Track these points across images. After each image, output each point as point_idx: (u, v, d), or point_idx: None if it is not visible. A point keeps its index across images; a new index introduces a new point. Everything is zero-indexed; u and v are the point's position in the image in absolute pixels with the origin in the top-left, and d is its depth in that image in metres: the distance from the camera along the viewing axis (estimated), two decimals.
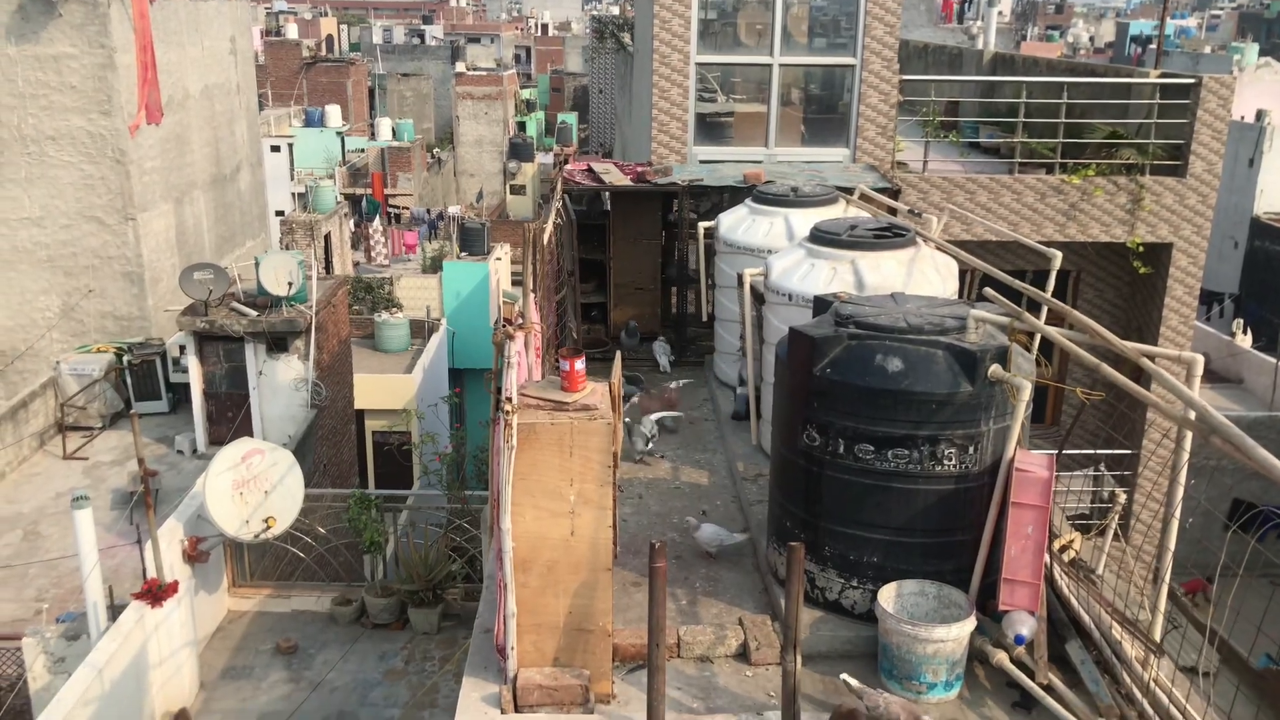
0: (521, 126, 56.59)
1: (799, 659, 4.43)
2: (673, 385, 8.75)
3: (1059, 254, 6.64)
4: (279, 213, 30.45)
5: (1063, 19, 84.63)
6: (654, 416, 7.83)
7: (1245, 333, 23.71)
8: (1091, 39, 73.65)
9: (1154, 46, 56.34)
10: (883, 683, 5.04)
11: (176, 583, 9.60)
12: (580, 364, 4.86)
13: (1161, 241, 11.94)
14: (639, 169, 10.28)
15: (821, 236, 7.19)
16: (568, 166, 10.43)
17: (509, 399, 4.56)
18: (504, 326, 5.38)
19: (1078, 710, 4.63)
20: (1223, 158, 12.03)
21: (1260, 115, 30.80)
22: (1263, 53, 52.22)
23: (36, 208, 17.57)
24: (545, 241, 7.44)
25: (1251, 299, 28.69)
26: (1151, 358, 4.50)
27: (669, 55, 11.85)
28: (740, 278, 7.85)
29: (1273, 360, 21.07)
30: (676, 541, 6.40)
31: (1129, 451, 11.77)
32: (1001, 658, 4.91)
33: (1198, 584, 13.89)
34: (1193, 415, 4.15)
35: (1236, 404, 19.76)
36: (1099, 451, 10.18)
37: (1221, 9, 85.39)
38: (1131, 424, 12.16)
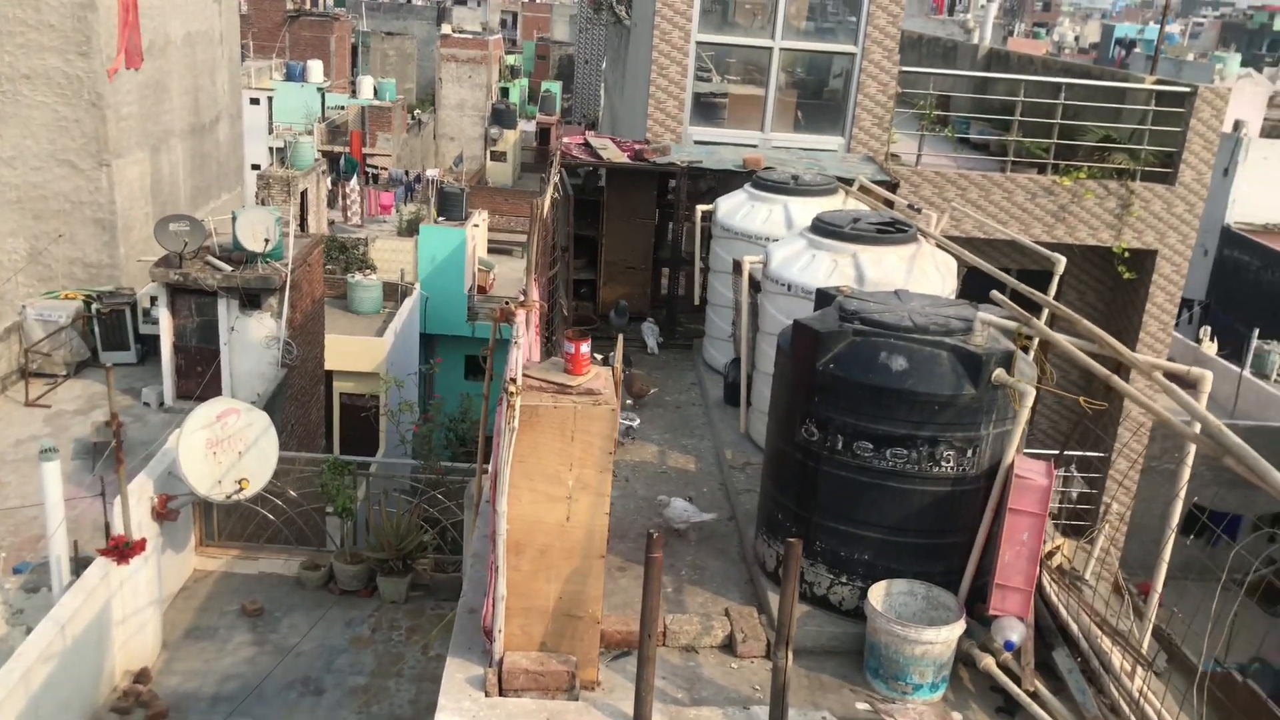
0: (505, 93, 56.01)
1: (790, 656, 4.40)
2: (639, 372, 8.55)
3: (1062, 259, 6.63)
4: (255, 166, 29.94)
5: (1050, 16, 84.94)
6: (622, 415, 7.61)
7: (1212, 340, 24.04)
8: (1076, 39, 73.98)
9: (1137, 50, 56.70)
10: (868, 682, 5.04)
11: (144, 540, 9.45)
12: (586, 347, 4.77)
13: (1147, 248, 12.01)
14: (636, 146, 10.15)
15: (824, 228, 7.13)
16: (565, 140, 10.28)
17: (513, 380, 4.46)
18: (506, 304, 5.28)
19: (1062, 718, 4.65)
20: (1211, 168, 12.10)
21: (1237, 126, 31.13)
22: (1244, 63, 52.72)
23: (7, 147, 17.11)
24: (544, 217, 7.32)
25: (1219, 307, 29.11)
26: (1163, 373, 4.50)
27: (670, 32, 11.70)
28: (737, 264, 7.78)
29: (1236, 369, 21.37)
30: (662, 528, 6.35)
31: (1100, 454, 11.88)
32: (989, 662, 4.92)
33: (1149, 586, 14.11)
34: (1198, 429, 4.15)
35: None
36: (1088, 454, 10.25)
37: (1205, 16, 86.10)
38: (1102, 425, 12.28)
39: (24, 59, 16.70)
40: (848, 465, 5.20)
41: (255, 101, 35.11)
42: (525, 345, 5.23)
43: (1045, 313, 6.22)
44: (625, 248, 10.16)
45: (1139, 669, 4.82)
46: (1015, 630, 4.89)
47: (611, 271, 10.21)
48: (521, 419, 4.47)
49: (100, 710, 9.19)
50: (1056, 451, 8.35)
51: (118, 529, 9.37)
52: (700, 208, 9.12)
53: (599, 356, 5.05)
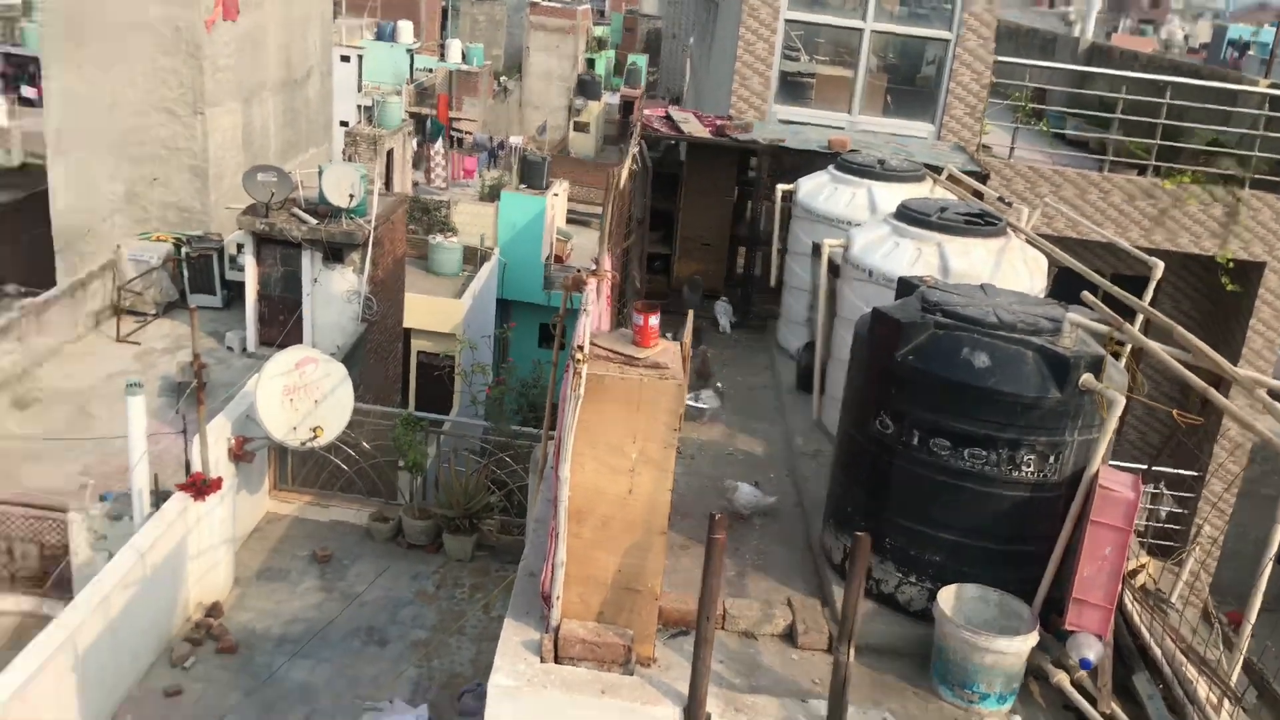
0: (591, 64, 55.87)
1: (853, 651, 4.32)
2: (711, 351, 8.42)
3: (1160, 263, 6.37)
4: (344, 123, 30.35)
5: (1158, 13, 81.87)
6: (705, 394, 7.56)
7: None
8: (1186, 38, 71.24)
9: (1251, 53, 54.36)
10: (934, 686, 4.92)
11: (220, 479, 9.71)
12: (655, 319, 4.72)
13: (1254, 260, 11.50)
14: (718, 122, 10.02)
15: (909, 215, 6.95)
16: (646, 112, 10.19)
17: (580, 347, 4.43)
18: (579, 272, 5.24)
19: None
20: None
21: None
22: None
23: (110, 94, 17.60)
24: (621, 187, 7.26)
25: None
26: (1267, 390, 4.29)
27: (758, 8, 11.50)
28: (817, 247, 7.63)
29: None
30: (726, 510, 6.29)
31: (1194, 473, 11.39)
32: (1062, 679, 4.74)
33: (1240, 615, 13.63)
34: None
35: None
36: (1180, 471, 9.87)
37: None
38: (1196, 442, 11.80)
39: (128, 9, 17.13)
40: (923, 462, 5.07)
41: (345, 59, 35.51)
42: (595, 315, 5.20)
43: (1139, 319, 5.99)
44: (702, 223, 10.05)
45: (1226, 702, 4.61)
46: (1092, 648, 4.71)
47: (687, 247, 10.12)
48: (587, 387, 4.44)
49: (174, 639, 9.49)
50: (1146, 466, 8.04)
51: (196, 466, 9.63)
52: (781, 187, 8.94)
53: (669, 335, 4.99)
